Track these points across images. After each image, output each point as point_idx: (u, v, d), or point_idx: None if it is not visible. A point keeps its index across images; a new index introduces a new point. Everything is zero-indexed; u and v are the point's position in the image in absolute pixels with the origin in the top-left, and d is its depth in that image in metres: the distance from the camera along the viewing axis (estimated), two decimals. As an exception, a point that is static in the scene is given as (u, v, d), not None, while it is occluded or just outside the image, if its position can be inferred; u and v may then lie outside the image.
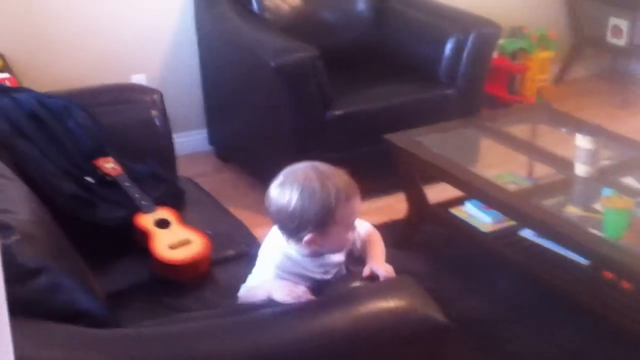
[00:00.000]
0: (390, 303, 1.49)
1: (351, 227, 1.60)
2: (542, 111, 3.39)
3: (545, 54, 4.30)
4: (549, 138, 3.08)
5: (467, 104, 3.38)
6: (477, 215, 2.76)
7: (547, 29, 4.35)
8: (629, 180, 2.60)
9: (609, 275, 2.40)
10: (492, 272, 2.70)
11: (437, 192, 2.94)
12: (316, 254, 1.61)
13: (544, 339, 2.38)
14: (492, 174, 2.72)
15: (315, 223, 1.52)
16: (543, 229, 2.42)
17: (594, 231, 2.28)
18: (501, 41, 4.05)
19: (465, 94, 3.38)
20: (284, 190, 1.52)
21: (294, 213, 1.51)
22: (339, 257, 1.68)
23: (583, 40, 4.61)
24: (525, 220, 2.47)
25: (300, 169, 1.56)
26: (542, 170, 2.83)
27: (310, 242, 1.54)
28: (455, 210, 2.84)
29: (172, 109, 2.57)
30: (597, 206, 2.45)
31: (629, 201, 2.33)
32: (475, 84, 3.43)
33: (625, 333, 2.24)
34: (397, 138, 2.80)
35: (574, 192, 2.61)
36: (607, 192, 2.45)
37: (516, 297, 2.59)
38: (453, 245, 2.92)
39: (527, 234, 2.65)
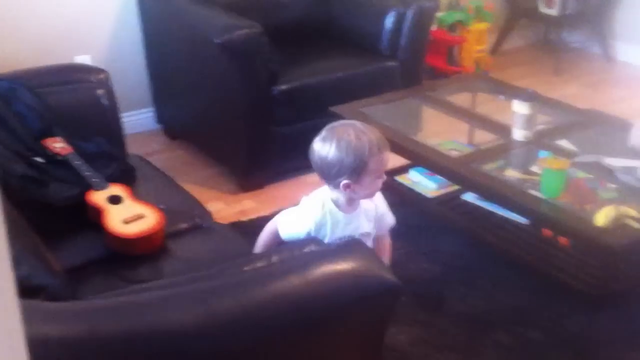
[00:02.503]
0: (342, 265, 1.50)
1: (381, 176, 1.81)
2: (481, 80, 3.45)
3: (481, 26, 4.36)
4: (488, 106, 3.14)
5: (409, 75, 3.42)
6: (422, 182, 2.81)
7: (482, 1, 4.41)
8: (564, 143, 2.67)
9: (548, 233, 2.48)
10: (439, 236, 2.75)
11: (383, 161, 2.97)
12: (352, 204, 1.84)
13: (491, 297, 2.45)
14: (435, 142, 2.77)
15: (350, 171, 1.74)
16: (485, 192, 2.48)
17: (533, 192, 2.35)
18: (439, 14, 4.10)
19: (407, 65, 3.41)
20: (325, 143, 1.77)
21: (332, 162, 1.75)
22: (367, 226, 1.90)
23: (517, 11, 4.69)
24: (468, 184, 2.52)
25: (339, 125, 1.81)
26: (483, 137, 2.88)
27: (346, 187, 1.77)
28: (401, 178, 2.89)
29: (119, 88, 2.53)
30: (535, 168, 2.52)
31: (564, 162, 2.40)
32: (416, 56, 3.46)
33: (565, 287, 2.32)
34: (343, 110, 2.82)
35: (513, 156, 2.67)
36: (543, 154, 2.52)
37: (462, 259, 2.65)
38: (400, 212, 2.95)
39: (469, 197, 2.71)
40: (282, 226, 1.91)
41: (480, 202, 2.67)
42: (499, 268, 2.56)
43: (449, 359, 2.16)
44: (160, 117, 3.69)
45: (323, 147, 1.77)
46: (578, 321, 2.31)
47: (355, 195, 1.82)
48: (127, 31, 3.55)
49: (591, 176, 2.46)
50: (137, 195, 2.05)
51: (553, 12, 4.48)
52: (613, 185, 2.39)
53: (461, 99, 3.23)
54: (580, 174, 2.47)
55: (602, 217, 2.16)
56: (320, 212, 1.85)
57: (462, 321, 2.32)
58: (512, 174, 2.54)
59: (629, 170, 2.44)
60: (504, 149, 2.68)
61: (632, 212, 2.19)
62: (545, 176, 2.35)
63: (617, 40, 4.57)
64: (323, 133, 1.80)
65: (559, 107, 2.96)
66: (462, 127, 3.07)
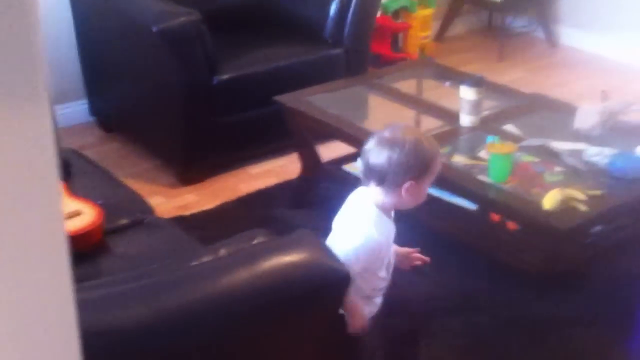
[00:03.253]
0: (292, 257, 1.52)
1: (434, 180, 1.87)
2: (427, 67, 3.51)
3: (425, 12, 4.43)
4: (434, 92, 3.20)
5: (354, 63, 3.45)
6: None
7: (426, -13, 4.48)
8: (510, 128, 2.74)
9: (496, 218, 2.54)
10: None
11: (330, 150, 3.00)
12: (390, 211, 1.86)
13: (441, 283, 2.50)
14: (382, 129, 2.79)
15: (418, 171, 1.79)
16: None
17: (481, 177, 2.41)
18: (384, 0, 4.14)
19: (352, 53, 3.44)
20: (393, 145, 1.79)
21: (399, 162, 1.77)
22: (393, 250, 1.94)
23: (461, -3, 4.77)
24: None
25: (401, 127, 1.89)
26: (430, 123, 2.93)
27: (408, 190, 1.79)
28: (348, 167, 2.92)
29: (50, 80, 2.48)
30: (482, 154, 2.58)
31: (511, 146, 2.47)
32: (361, 43, 3.50)
33: (512, 270, 2.39)
34: (288, 99, 2.83)
35: (460, 141, 2.73)
36: (490, 139, 2.58)
37: (411, 245, 2.69)
38: (348, 202, 3.00)
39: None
40: (355, 262, 1.78)
41: (429, 188, 2.72)
42: (447, 254, 2.61)
43: (397, 347, 2.21)
44: (95, 109, 3.64)
45: (391, 148, 1.79)
46: (526, 303, 2.39)
47: (411, 199, 1.84)
48: (58, 20, 3.47)
49: (537, 160, 2.53)
50: (73, 191, 2.02)
51: (496, -3, 4.58)
52: (559, 169, 2.47)
53: (407, 85, 3.28)
54: (527, 158, 2.54)
55: (549, 201, 2.23)
56: (380, 222, 1.84)
57: (411, 308, 2.37)
58: (459, 159, 2.59)
59: (574, 153, 2.52)
60: (451, 134, 2.74)
61: (578, 194, 2.27)
62: (492, 161, 2.41)
63: (561, 25, 4.70)
64: (386, 134, 1.83)
65: (505, 92, 3.04)
66: (409, 114, 3.12)
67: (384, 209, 1.84)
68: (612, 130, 2.62)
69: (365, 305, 1.87)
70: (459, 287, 2.48)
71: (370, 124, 2.89)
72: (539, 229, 2.28)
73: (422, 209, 2.64)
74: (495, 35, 4.72)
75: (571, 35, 4.65)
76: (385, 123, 3.02)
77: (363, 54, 3.54)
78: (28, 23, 0.64)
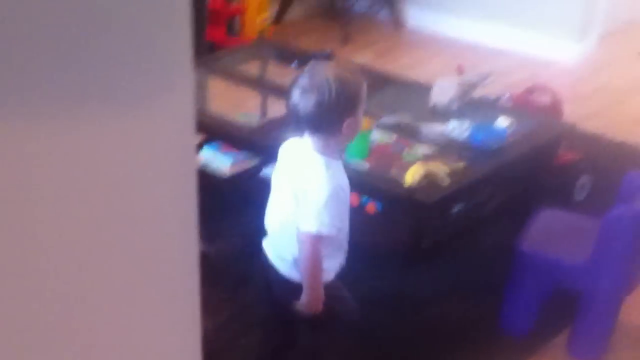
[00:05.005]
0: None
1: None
2: (270, 48, 3.51)
3: (263, -7, 4.45)
4: (280, 74, 3.20)
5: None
6: (216, 159, 2.80)
7: (262, -34, 4.50)
8: (365, 106, 2.80)
9: (355, 202, 2.58)
10: (239, 216, 2.76)
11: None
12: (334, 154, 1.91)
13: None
14: (227, 114, 2.77)
15: (352, 105, 1.85)
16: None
17: (339, 158, 2.44)
18: (215, -20, 4.11)
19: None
20: (320, 89, 1.81)
21: (333, 103, 1.80)
22: None
23: (300, -23, 4.84)
24: (270, 154, 2.55)
25: (320, 67, 1.90)
26: (279, 107, 2.93)
27: (349, 126, 1.84)
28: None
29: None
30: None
31: (368, 121, 2.52)
32: (194, 28, 3.42)
33: (377, 251, 2.48)
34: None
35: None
36: (346, 117, 2.62)
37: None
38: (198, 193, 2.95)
39: (270, 172, 2.75)
40: (325, 222, 1.80)
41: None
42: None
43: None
44: None
45: (319, 90, 1.81)
46: (394, 281, 2.50)
47: (352, 133, 1.90)
48: None
49: (395, 139, 2.61)
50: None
51: (337, -24, 4.69)
52: (419, 146, 2.56)
53: (249, 68, 3.26)
54: (384, 138, 2.61)
55: (411, 176, 2.32)
56: (333, 167, 1.87)
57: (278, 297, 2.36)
58: (314, 142, 2.62)
59: (433, 128, 2.62)
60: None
61: (440, 168, 2.36)
62: (350, 138, 2.45)
63: (405, 5, 4.89)
64: (306, 79, 1.84)
65: (358, 70, 3.10)
66: (255, 98, 3.11)
67: (329, 154, 1.88)
68: (470, 103, 2.75)
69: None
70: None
71: (214, 110, 2.84)
72: (403, 205, 2.34)
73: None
74: (337, 19, 4.82)
75: (416, 16, 4.85)
76: (227, 108, 3.00)
77: (198, 39, 3.48)
78: None
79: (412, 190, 2.28)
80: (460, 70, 2.90)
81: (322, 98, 1.80)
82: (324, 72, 1.87)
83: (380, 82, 3.02)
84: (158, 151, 0.72)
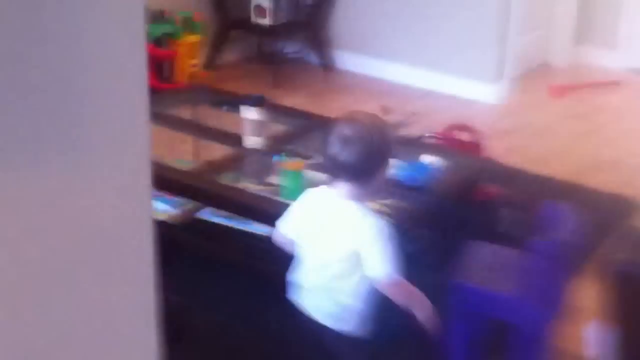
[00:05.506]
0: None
1: None
2: (201, 92, 3.61)
3: (192, 38, 4.56)
4: (212, 117, 3.30)
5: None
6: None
7: (191, 12, 4.60)
8: (297, 147, 2.92)
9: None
10: (179, 262, 2.80)
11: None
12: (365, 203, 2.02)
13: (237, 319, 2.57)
14: (160, 159, 2.83)
15: (388, 154, 1.98)
16: (223, 204, 2.60)
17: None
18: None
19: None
20: (361, 138, 1.92)
21: (374, 151, 1.92)
22: None
23: (228, 22, 4.96)
24: (205, 197, 2.63)
25: (353, 116, 2.03)
26: (213, 149, 3.02)
27: (380, 178, 1.97)
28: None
29: None
30: (272, 179, 2.72)
31: (300, 163, 2.63)
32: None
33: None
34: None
35: (248, 164, 2.86)
36: (277, 158, 2.73)
37: (206, 283, 2.74)
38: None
39: (205, 214, 2.83)
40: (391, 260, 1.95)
41: (217, 218, 2.80)
42: (243, 284, 2.70)
43: None
44: None
45: (356, 143, 1.91)
46: None
47: (382, 184, 2.03)
48: None
49: (324, 178, 2.71)
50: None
51: (265, 22, 4.82)
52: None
53: (181, 112, 3.34)
54: (315, 177, 2.72)
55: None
56: (369, 211, 2.00)
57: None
58: (250, 186, 2.71)
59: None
60: (237, 158, 2.85)
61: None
62: (284, 178, 2.56)
63: (334, 49, 5.06)
64: (345, 130, 1.94)
65: (287, 113, 3.23)
66: (186, 142, 3.19)
67: (363, 201, 1.99)
68: (396, 142, 2.88)
69: None
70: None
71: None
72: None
73: (213, 240, 2.71)
74: (268, 62, 4.95)
75: (345, 59, 5.02)
76: (158, 154, 3.06)
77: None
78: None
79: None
80: (384, 111, 3.05)
81: (362, 147, 1.91)
82: (361, 120, 2.00)
83: (311, 124, 3.15)
84: (115, 199, 0.79)
